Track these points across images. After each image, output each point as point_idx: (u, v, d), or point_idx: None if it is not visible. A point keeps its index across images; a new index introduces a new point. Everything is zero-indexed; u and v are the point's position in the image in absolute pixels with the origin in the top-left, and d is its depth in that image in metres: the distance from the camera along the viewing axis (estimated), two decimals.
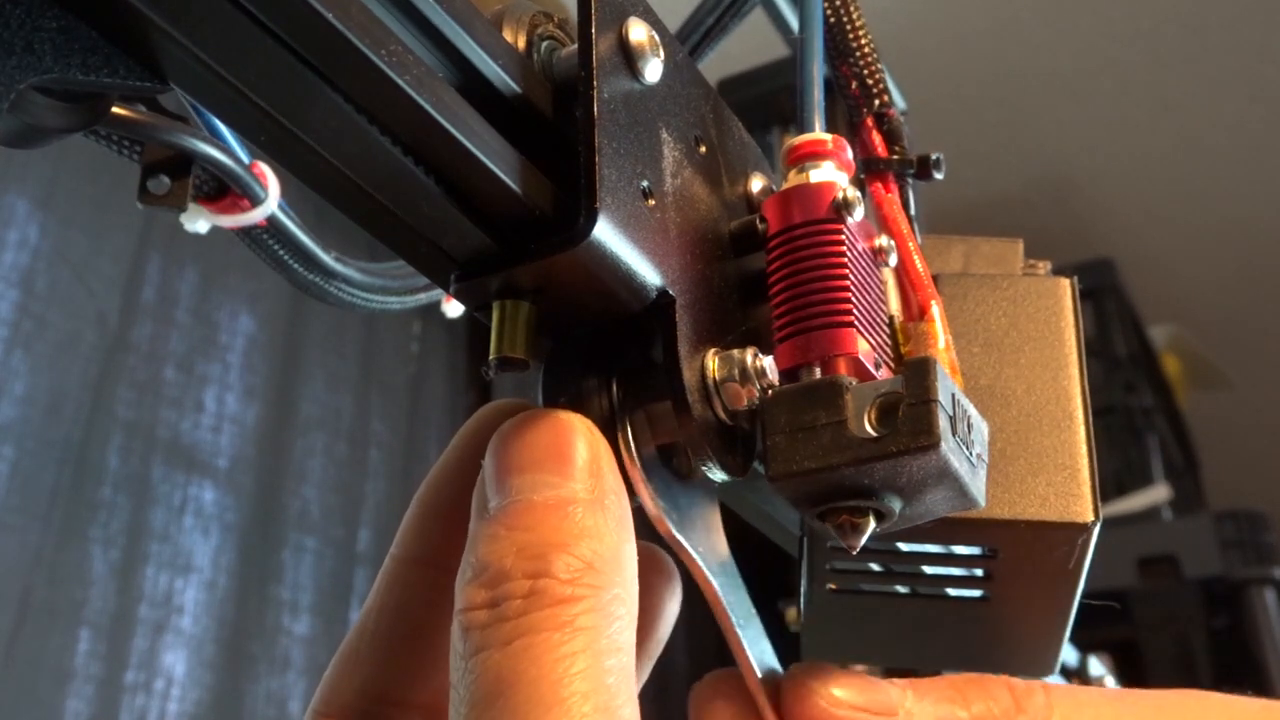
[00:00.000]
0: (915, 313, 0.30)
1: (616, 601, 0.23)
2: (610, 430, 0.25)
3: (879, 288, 0.28)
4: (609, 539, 0.23)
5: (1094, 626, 1.27)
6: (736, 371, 0.25)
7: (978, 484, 0.25)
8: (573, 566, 0.22)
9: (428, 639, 0.27)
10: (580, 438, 0.24)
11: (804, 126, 0.29)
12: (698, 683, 0.26)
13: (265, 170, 0.36)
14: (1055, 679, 0.32)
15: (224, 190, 0.36)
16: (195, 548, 1.05)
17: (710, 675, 0.26)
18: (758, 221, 0.28)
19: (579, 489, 0.23)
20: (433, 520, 0.28)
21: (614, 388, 0.25)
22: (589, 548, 0.23)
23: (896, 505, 0.25)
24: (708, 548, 0.25)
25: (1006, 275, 0.33)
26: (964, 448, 0.24)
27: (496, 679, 0.21)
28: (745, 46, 0.61)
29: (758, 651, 0.24)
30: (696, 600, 0.26)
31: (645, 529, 0.26)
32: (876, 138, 0.33)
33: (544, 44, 0.26)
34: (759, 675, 0.24)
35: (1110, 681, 0.69)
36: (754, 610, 0.25)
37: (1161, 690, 0.26)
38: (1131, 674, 1.30)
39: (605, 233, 0.23)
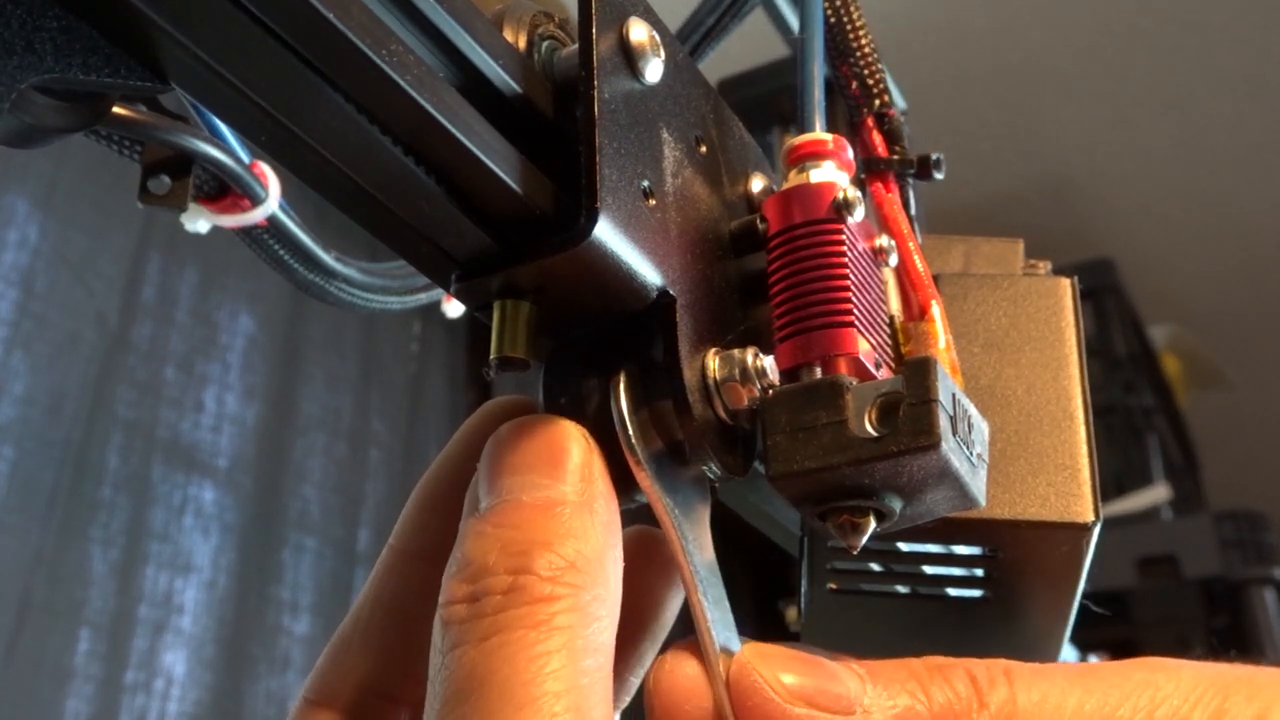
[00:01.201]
0: (916, 313, 0.30)
1: (597, 602, 0.22)
2: (611, 429, 0.25)
3: (879, 288, 0.28)
4: (594, 541, 0.23)
5: (1094, 626, 1.27)
6: (737, 371, 0.25)
7: (978, 484, 0.25)
8: (555, 564, 0.22)
9: (419, 634, 0.27)
10: (574, 443, 0.24)
11: (804, 126, 0.29)
12: (664, 652, 0.25)
13: (266, 170, 0.36)
14: None
15: (224, 190, 0.36)
16: (195, 548, 1.05)
17: (677, 643, 0.25)
18: (758, 221, 0.28)
19: (568, 491, 0.23)
20: (430, 514, 0.28)
21: (614, 387, 0.25)
22: (573, 548, 0.23)
23: (897, 505, 0.25)
24: (698, 546, 0.25)
25: (1006, 275, 0.33)
26: (964, 448, 0.24)
27: (469, 676, 0.21)
28: (745, 46, 0.61)
29: (723, 640, 0.24)
30: None
31: (638, 519, 0.26)
32: (877, 138, 0.33)
33: (544, 44, 0.26)
34: (719, 660, 0.24)
35: None
36: (729, 610, 0.25)
37: (1128, 661, 0.25)
38: None
39: (606, 232, 0.23)
